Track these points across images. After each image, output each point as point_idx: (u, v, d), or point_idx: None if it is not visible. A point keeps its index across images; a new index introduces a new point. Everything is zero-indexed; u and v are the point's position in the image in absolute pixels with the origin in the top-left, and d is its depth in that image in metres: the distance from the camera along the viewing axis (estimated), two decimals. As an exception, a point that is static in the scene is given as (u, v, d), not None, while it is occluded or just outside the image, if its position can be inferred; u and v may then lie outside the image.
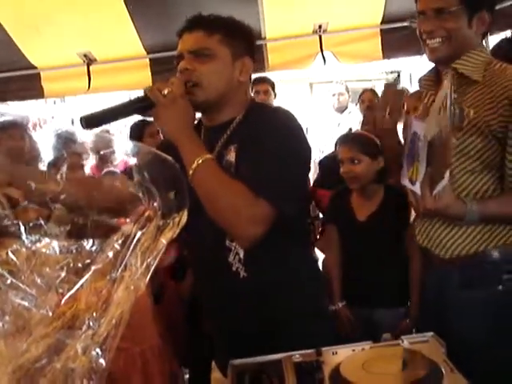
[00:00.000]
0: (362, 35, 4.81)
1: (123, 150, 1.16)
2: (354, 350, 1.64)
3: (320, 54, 4.83)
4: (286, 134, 1.93)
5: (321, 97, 9.54)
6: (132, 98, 1.92)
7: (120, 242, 0.93)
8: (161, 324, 2.96)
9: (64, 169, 1.30)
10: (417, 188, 1.96)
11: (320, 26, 4.71)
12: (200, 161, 1.80)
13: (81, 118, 1.80)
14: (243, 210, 1.82)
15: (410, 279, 3.17)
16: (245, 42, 2.08)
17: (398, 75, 11.12)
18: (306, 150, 2.03)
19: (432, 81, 2.31)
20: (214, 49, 1.98)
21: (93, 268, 0.94)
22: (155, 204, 0.96)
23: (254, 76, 5.08)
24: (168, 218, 0.98)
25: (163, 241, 0.95)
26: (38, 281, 1.07)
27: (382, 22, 4.69)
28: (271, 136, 1.90)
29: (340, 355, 1.61)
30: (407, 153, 2.07)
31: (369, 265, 3.22)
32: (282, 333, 2.00)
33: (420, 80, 2.43)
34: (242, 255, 2.00)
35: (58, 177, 1.16)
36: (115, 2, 4.24)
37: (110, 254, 0.94)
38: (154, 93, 1.86)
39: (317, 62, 4.97)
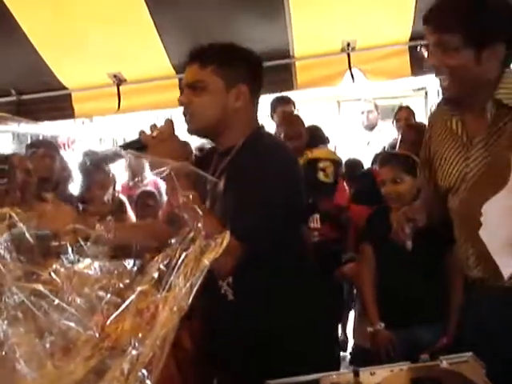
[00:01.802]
0: (390, 52, 4.79)
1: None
2: (392, 371, 1.62)
3: (348, 71, 4.83)
4: (272, 170, 2.00)
5: (349, 115, 9.51)
6: (129, 140, 2.08)
7: (165, 262, 0.94)
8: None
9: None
10: None
11: (348, 44, 4.70)
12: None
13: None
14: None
15: (452, 298, 3.12)
16: (241, 69, 2.17)
17: (426, 93, 11.05)
18: (291, 186, 2.09)
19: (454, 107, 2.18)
20: (207, 80, 2.11)
21: (138, 289, 0.94)
22: (199, 225, 0.97)
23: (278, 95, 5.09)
24: (211, 239, 0.98)
25: (206, 261, 0.95)
26: (78, 301, 1.08)
27: (411, 39, 4.67)
28: (256, 172, 1.97)
29: (378, 376, 1.59)
30: None
31: (409, 283, 3.18)
32: (269, 355, 2.05)
33: (439, 105, 2.32)
34: (230, 279, 2.05)
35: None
36: (145, 23, 4.29)
37: (155, 275, 0.94)
38: (144, 136, 2.01)
39: (345, 79, 4.97)
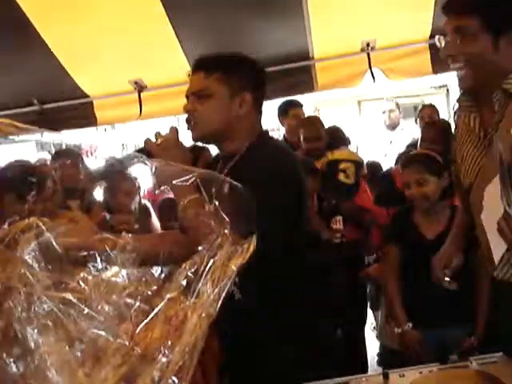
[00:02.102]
0: (410, 51, 4.76)
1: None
2: (421, 372, 1.61)
3: (369, 71, 4.81)
4: (271, 175, 2.04)
5: (370, 114, 9.47)
6: (135, 149, 2.20)
7: (193, 270, 0.94)
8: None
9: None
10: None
11: (368, 44, 4.68)
12: (185, 201, 1.88)
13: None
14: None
15: (479, 298, 3.10)
16: (245, 77, 2.23)
17: (447, 90, 10.98)
18: (295, 191, 2.13)
19: (471, 101, 2.16)
20: (211, 88, 2.17)
21: (167, 296, 0.94)
22: (226, 231, 0.97)
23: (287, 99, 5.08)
24: (237, 245, 0.98)
25: (233, 267, 0.96)
26: (107, 308, 1.08)
27: (431, 37, 4.63)
28: (260, 176, 2.00)
29: (407, 378, 1.59)
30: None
31: (435, 283, 3.16)
32: (268, 359, 2.08)
33: (459, 101, 2.30)
34: (237, 278, 2.06)
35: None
36: (164, 29, 4.30)
37: (184, 283, 0.95)
38: (149, 144, 2.05)
39: (365, 79, 4.95)
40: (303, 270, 2.22)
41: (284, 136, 5.49)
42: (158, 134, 2.08)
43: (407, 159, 3.57)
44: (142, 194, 4.51)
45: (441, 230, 3.21)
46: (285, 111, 5.48)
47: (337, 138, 5.16)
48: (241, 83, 2.20)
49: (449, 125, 4.62)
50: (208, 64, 2.21)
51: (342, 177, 4.49)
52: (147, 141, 2.06)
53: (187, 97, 2.23)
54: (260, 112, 2.32)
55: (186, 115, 2.23)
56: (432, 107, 6.01)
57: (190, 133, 2.21)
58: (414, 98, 9.91)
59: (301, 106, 5.51)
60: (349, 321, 4.12)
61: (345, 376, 1.78)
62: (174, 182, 1.15)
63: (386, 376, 1.60)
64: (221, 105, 2.17)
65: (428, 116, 5.70)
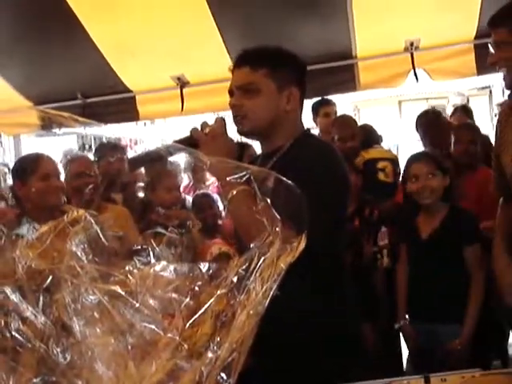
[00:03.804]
0: (455, 51, 4.70)
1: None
2: (463, 377, 1.60)
3: (412, 71, 4.75)
4: (318, 170, 2.02)
5: (410, 115, 9.40)
6: (181, 138, 2.12)
7: (244, 267, 0.94)
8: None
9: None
10: None
11: (412, 43, 4.62)
12: (234, 192, 1.89)
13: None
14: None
15: (470, 301, 3.19)
16: (292, 72, 2.22)
17: (490, 91, 10.83)
18: (337, 189, 2.09)
19: None
20: (259, 83, 2.14)
21: (218, 292, 0.95)
22: (277, 229, 0.97)
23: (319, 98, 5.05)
24: (287, 243, 0.98)
25: (282, 265, 0.96)
26: (152, 303, 1.09)
27: (476, 37, 4.57)
28: (303, 173, 1.91)
29: (449, 382, 1.57)
30: None
31: (432, 282, 3.25)
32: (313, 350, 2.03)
33: (510, 96, 2.49)
34: None
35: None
36: (207, 25, 4.31)
37: (235, 279, 0.95)
38: (196, 132, 2.05)
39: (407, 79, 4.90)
40: (344, 269, 2.21)
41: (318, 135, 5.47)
42: (205, 124, 2.07)
43: (417, 153, 3.64)
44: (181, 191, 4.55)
45: (434, 229, 3.30)
46: (316, 110, 5.46)
47: (369, 136, 5.12)
48: (287, 78, 2.19)
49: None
50: (253, 59, 2.19)
51: (381, 176, 4.44)
52: (194, 130, 2.05)
53: (230, 92, 2.22)
54: (303, 108, 2.32)
55: (227, 112, 2.22)
56: (464, 109, 5.95)
57: (235, 127, 2.18)
58: (459, 97, 9.81)
59: (332, 104, 5.46)
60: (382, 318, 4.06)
61: (382, 377, 1.77)
62: (227, 178, 1.15)
63: (427, 380, 1.58)
64: (269, 100, 2.16)
65: (458, 120, 5.66)
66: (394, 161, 4.65)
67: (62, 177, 3.26)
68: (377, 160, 4.52)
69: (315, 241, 1.83)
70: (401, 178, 4.01)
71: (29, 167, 3.02)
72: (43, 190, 2.92)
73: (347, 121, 4.90)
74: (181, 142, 2.06)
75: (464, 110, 5.93)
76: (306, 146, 2.17)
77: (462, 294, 3.20)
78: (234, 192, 1.85)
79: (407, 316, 3.38)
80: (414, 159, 3.51)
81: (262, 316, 1.77)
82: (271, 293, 0.95)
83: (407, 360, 3.80)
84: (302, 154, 2.10)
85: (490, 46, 2.40)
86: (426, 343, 3.25)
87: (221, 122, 2.09)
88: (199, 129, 2.06)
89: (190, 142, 2.02)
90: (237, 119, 2.16)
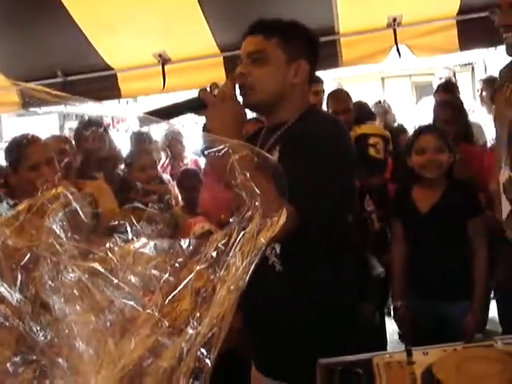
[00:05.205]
0: (437, 27, 4.68)
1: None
2: (445, 351, 1.61)
3: (394, 47, 4.74)
4: (325, 144, 1.99)
5: (393, 91, 9.42)
6: (187, 98, 2.05)
7: (223, 242, 0.94)
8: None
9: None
10: None
11: (394, 19, 4.60)
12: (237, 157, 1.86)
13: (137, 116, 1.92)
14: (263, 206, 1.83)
15: (475, 275, 3.15)
16: (303, 45, 2.19)
17: (473, 68, 10.84)
18: (344, 161, 2.06)
19: None
20: (271, 52, 2.11)
21: (197, 268, 0.94)
22: (256, 203, 0.96)
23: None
24: (267, 217, 0.97)
25: (262, 240, 0.95)
26: (133, 279, 1.08)
27: (459, 13, 4.56)
28: (310, 144, 1.96)
29: (431, 356, 1.58)
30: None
31: (433, 257, 3.19)
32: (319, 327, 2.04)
33: (500, 72, 2.45)
34: (278, 250, 2.04)
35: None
36: (189, 2, 4.28)
37: (214, 254, 0.94)
38: (205, 93, 1.98)
39: (390, 55, 4.88)
40: (347, 245, 2.20)
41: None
42: (214, 85, 2.00)
43: (427, 126, 3.60)
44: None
45: (435, 202, 3.24)
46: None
47: (363, 113, 5.13)
48: (298, 50, 2.15)
49: (462, 105, 4.62)
50: (268, 28, 2.15)
51: (372, 151, 4.43)
52: (203, 91, 1.99)
53: (240, 60, 2.16)
54: (311, 83, 2.29)
55: None
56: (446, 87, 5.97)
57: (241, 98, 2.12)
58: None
59: (321, 81, 5.45)
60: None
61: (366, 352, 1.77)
62: (205, 152, 1.14)
63: (409, 353, 1.59)
64: (278, 71, 2.12)
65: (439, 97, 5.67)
66: (385, 138, 4.66)
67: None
68: (368, 135, 4.52)
69: (308, 213, 1.84)
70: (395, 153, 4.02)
71: (17, 155, 2.98)
72: (34, 180, 2.87)
73: (341, 95, 4.92)
74: (187, 103, 2.02)
75: (445, 88, 5.92)
76: (311, 120, 2.14)
77: (464, 269, 3.18)
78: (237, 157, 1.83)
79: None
80: (425, 131, 3.47)
81: (260, 291, 1.78)
82: (252, 268, 0.94)
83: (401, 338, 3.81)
84: (305, 129, 2.07)
85: (497, 8, 2.30)
86: (428, 322, 3.21)
87: (231, 84, 2.05)
88: (208, 90, 2.00)
89: (198, 104, 1.98)
90: (243, 90, 2.10)
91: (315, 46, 2.26)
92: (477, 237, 3.15)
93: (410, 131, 5.90)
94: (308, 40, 2.22)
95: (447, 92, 5.75)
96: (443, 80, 6.41)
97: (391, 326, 4.49)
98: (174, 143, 5.82)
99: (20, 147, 3.02)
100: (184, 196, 4.44)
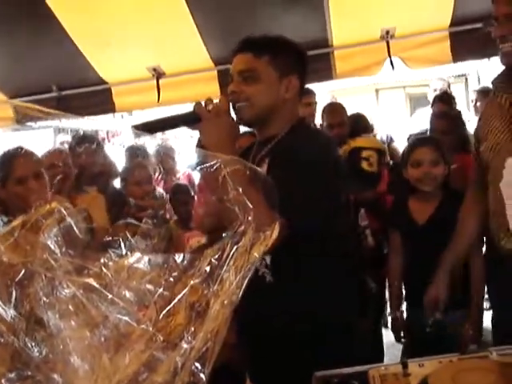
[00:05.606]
0: (430, 39, 4.69)
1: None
2: (441, 362, 1.61)
3: (388, 59, 4.76)
4: (314, 158, 2.01)
5: (387, 103, 9.45)
6: (182, 112, 2.09)
7: (216, 256, 0.94)
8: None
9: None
10: None
11: (387, 32, 4.62)
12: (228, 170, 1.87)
13: (132, 127, 1.93)
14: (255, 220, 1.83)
15: (472, 284, 3.14)
16: (292, 60, 2.22)
17: (466, 79, 10.89)
18: (334, 174, 2.08)
19: (505, 83, 2.37)
20: (261, 70, 2.14)
21: (191, 283, 0.95)
22: (249, 218, 0.97)
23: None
24: (260, 232, 0.98)
25: (255, 254, 0.95)
26: (128, 294, 1.09)
27: (451, 25, 4.58)
28: (299, 158, 1.99)
29: (427, 367, 1.58)
30: None
31: (431, 268, 3.19)
32: (310, 340, 2.03)
33: (493, 82, 2.48)
34: (268, 261, 2.05)
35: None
36: (183, 16, 4.29)
37: (208, 269, 0.95)
38: (200, 108, 2.00)
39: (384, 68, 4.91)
40: (340, 256, 2.20)
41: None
42: (209, 100, 2.03)
43: (423, 138, 3.61)
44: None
45: (431, 214, 3.27)
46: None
47: (359, 125, 5.13)
48: (288, 66, 2.19)
49: (460, 115, 4.64)
50: (257, 46, 2.18)
51: (365, 165, 4.44)
52: (198, 105, 2.02)
53: (231, 77, 2.20)
54: (301, 96, 2.32)
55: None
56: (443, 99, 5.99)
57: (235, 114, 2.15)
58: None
59: (313, 93, 5.45)
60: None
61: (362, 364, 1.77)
62: (198, 167, 1.15)
63: (405, 365, 1.59)
64: (270, 88, 2.16)
65: (438, 108, 5.70)
66: (380, 150, 4.66)
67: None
68: (362, 149, 4.52)
69: (298, 227, 1.84)
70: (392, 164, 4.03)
71: (4, 170, 2.92)
72: (21, 194, 2.82)
73: (337, 108, 4.93)
74: (182, 117, 2.05)
75: (441, 99, 5.95)
76: (301, 134, 2.17)
77: (461, 279, 3.15)
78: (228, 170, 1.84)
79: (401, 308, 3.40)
80: (421, 143, 3.48)
81: (257, 303, 1.77)
82: (245, 282, 0.94)
83: (402, 351, 3.81)
84: (294, 142, 2.10)
85: (494, 20, 2.33)
86: (426, 332, 3.19)
87: (225, 99, 2.08)
88: (203, 104, 2.03)
89: (193, 117, 2.00)
90: (237, 107, 2.13)
91: (304, 59, 2.30)
92: (473, 246, 3.16)
93: (405, 143, 5.93)
94: (297, 54, 2.26)
95: (444, 103, 5.78)
96: (438, 91, 6.43)
97: (387, 337, 4.49)
98: (165, 158, 5.81)
99: (7, 161, 2.97)
100: (176, 211, 4.44)
